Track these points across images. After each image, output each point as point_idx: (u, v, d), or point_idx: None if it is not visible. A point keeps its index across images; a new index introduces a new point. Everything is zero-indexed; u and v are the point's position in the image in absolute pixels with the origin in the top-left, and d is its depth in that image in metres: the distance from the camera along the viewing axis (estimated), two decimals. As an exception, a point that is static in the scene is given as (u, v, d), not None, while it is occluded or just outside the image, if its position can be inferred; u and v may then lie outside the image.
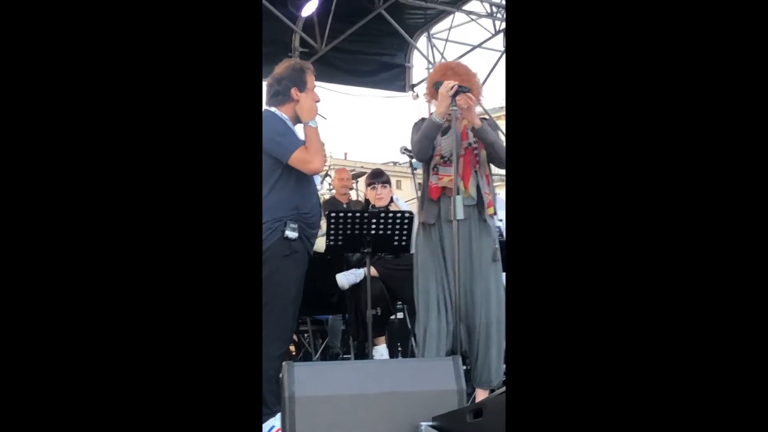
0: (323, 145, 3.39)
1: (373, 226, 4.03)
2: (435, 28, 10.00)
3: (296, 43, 8.86)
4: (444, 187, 3.38)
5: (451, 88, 3.27)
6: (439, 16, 9.72)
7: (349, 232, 4.04)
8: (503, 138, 3.69)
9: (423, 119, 3.54)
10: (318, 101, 3.47)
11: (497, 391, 2.61)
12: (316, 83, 3.54)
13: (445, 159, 3.39)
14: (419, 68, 9.93)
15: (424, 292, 3.37)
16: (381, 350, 4.38)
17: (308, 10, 7.88)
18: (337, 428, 2.48)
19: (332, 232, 4.02)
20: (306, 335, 5.52)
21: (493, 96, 19.89)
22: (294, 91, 3.38)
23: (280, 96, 3.40)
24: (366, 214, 4.11)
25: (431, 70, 3.61)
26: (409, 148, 3.83)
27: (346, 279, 4.54)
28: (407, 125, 3.70)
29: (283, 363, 2.53)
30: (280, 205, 3.24)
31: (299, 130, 3.40)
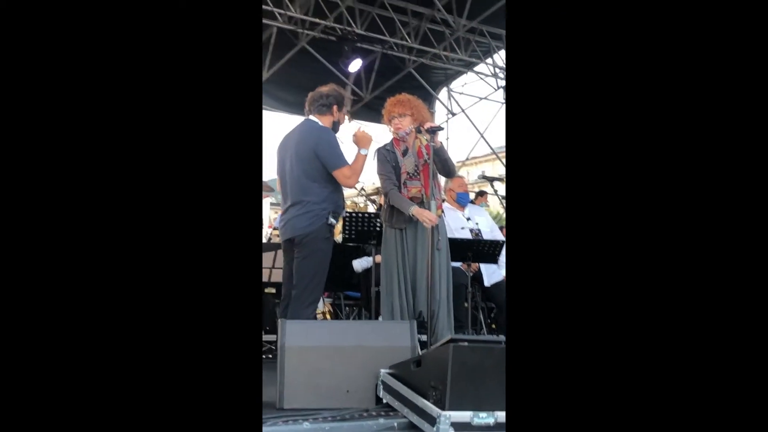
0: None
1: (378, 225, 3.93)
2: (453, 84, 9.96)
3: (348, 92, 8.84)
4: (412, 197, 3.26)
5: (429, 127, 3.20)
6: (456, 74, 9.68)
7: (360, 228, 3.98)
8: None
9: (385, 147, 3.39)
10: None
11: (432, 347, 2.49)
12: (363, 122, 3.43)
13: (411, 174, 3.30)
14: (440, 114, 9.78)
15: (389, 279, 3.25)
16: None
17: (354, 67, 8.02)
18: (317, 372, 2.40)
19: (347, 228, 3.95)
20: (340, 307, 5.46)
21: (497, 137, 19.31)
22: (335, 108, 3.25)
23: (323, 107, 3.24)
24: (372, 215, 4.04)
25: (386, 105, 3.43)
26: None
27: (359, 264, 4.47)
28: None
29: (279, 320, 2.44)
30: (327, 198, 3.10)
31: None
